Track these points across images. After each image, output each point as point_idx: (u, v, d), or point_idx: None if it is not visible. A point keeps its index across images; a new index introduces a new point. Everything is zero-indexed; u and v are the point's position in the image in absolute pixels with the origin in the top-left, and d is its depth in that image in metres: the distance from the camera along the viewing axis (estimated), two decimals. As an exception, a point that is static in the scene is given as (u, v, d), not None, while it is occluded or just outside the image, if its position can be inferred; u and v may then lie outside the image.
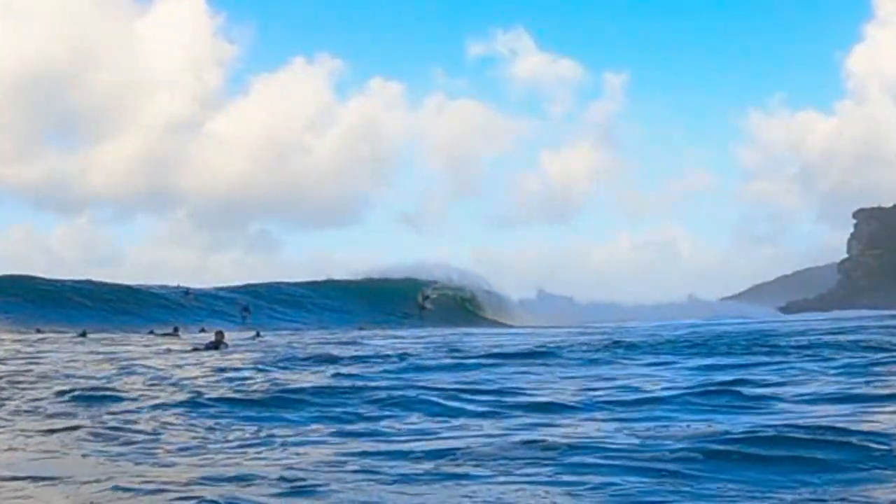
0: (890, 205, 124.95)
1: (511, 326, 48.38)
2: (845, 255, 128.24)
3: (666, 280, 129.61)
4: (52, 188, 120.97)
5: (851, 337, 18.87)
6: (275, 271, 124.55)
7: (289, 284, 56.58)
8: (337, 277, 58.02)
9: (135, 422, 7.70)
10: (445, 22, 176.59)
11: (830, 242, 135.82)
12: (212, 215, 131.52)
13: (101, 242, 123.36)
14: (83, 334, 29.07)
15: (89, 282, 48.39)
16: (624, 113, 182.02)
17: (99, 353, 19.52)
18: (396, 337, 29.06)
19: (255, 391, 10.10)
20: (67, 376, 12.58)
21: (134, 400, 9.39)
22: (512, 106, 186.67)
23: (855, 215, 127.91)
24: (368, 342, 24.77)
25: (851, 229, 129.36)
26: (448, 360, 14.79)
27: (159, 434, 7.03)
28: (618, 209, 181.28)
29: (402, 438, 6.47)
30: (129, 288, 48.62)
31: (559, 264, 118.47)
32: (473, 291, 59.13)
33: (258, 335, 30.87)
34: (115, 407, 8.82)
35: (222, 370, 13.67)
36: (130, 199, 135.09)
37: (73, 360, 16.51)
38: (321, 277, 58.00)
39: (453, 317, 53.33)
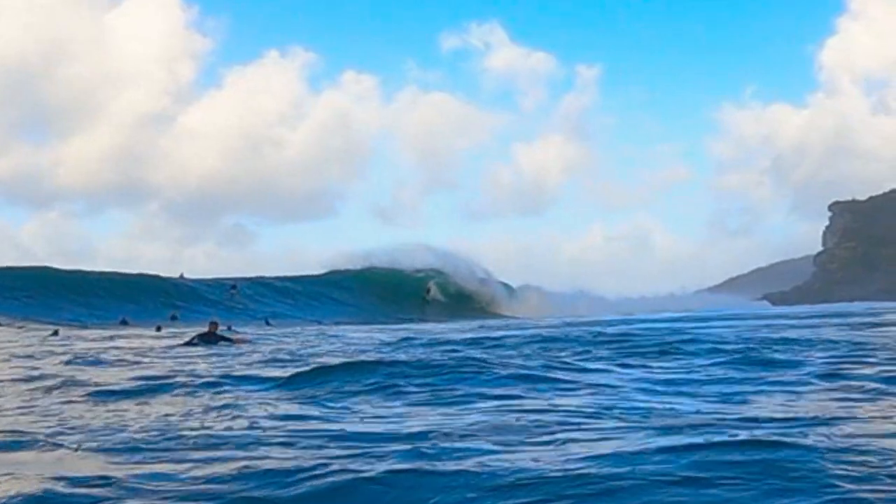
0: (864, 198, 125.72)
1: (518, 318, 46.50)
2: (820, 248, 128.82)
3: (641, 272, 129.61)
4: (23, 182, 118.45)
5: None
6: (249, 264, 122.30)
7: (295, 277, 53.54)
8: (340, 267, 55.24)
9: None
10: (419, 15, 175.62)
11: (804, 235, 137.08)
12: (185, 209, 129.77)
13: (72, 236, 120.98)
14: (55, 333, 26.43)
15: (80, 271, 45.45)
16: (597, 106, 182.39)
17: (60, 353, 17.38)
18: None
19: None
20: None
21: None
22: (485, 99, 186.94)
23: (830, 208, 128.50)
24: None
25: (825, 221, 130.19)
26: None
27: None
28: (591, 202, 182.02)
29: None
30: (123, 275, 45.56)
31: (533, 256, 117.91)
32: (476, 282, 57.02)
33: (230, 329, 28.79)
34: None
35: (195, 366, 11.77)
36: (102, 192, 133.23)
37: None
38: (306, 270, 55.68)
39: (456, 309, 51.26)
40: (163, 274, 48.93)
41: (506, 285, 59.75)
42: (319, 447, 5.17)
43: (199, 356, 14.61)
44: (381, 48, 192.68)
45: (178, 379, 9.62)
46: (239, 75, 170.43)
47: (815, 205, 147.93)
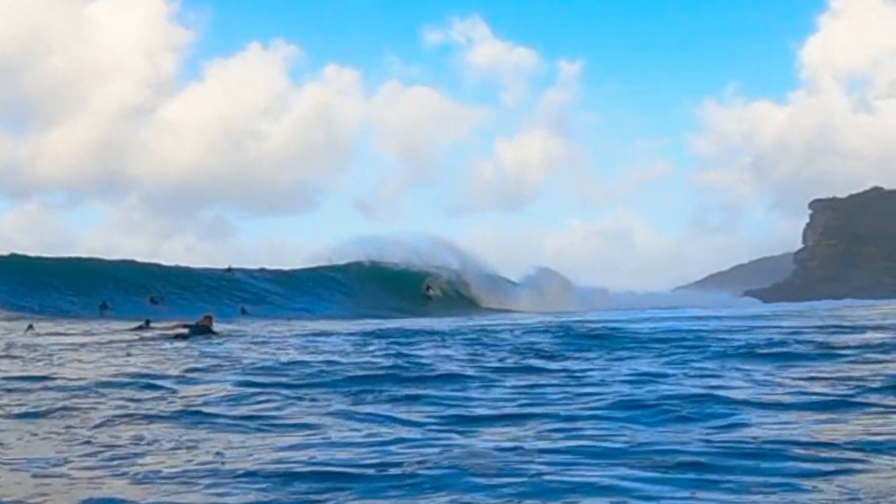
0: (845, 195, 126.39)
1: (529, 313, 45.29)
2: (800, 245, 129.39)
3: (622, 268, 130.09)
4: (2, 174, 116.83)
5: None
6: (229, 257, 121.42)
7: (301, 270, 51.85)
8: (343, 258, 53.23)
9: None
10: (401, 9, 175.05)
11: (785, 232, 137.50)
12: (165, 201, 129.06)
13: (52, 228, 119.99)
14: (30, 328, 25.27)
15: (60, 258, 43.95)
16: (578, 101, 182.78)
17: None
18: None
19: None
20: None
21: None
22: (467, 94, 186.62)
23: (811, 206, 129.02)
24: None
25: (805, 219, 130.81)
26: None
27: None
28: (572, 197, 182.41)
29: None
30: (106, 262, 44.06)
31: (514, 251, 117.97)
32: (475, 275, 55.36)
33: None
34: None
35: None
36: (82, 184, 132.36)
37: None
38: (288, 264, 54.41)
39: (462, 304, 50.05)
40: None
41: (511, 281, 58.47)
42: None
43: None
44: (364, 42, 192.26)
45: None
46: (220, 68, 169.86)
47: (795, 202, 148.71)
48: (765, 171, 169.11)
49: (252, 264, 52.78)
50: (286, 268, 52.67)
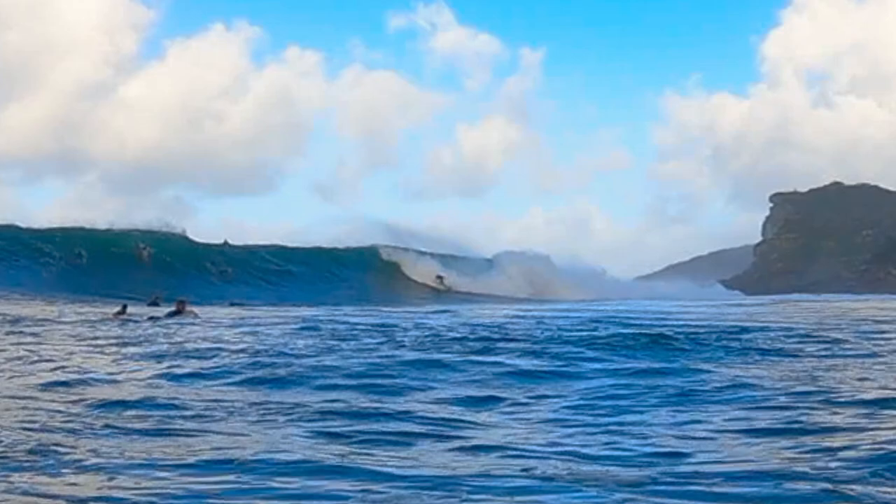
0: (805, 189, 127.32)
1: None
2: (759, 238, 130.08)
3: (581, 256, 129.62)
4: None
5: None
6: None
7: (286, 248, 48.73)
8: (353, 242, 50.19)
9: None
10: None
11: (743, 224, 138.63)
12: (123, 180, 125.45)
13: (7, 205, 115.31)
14: None
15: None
16: (540, 89, 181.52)
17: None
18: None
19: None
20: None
21: None
22: (430, 79, 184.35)
23: (771, 199, 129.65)
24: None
25: (764, 212, 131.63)
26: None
27: None
28: (532, 185, 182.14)
29: None
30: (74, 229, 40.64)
31: (474, 237, 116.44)
32: (485, 265, 53.14)
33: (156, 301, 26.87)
34: None
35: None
36: (39, 161, 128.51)
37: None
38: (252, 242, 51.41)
39: (472, 296, 47.87)
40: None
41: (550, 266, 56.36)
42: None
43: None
44: (327, 25, 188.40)
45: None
46: (182, 47, 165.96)
47: (754, 195, 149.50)
48: (724, 163, 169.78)
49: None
50: (291, 245, 49.95)
